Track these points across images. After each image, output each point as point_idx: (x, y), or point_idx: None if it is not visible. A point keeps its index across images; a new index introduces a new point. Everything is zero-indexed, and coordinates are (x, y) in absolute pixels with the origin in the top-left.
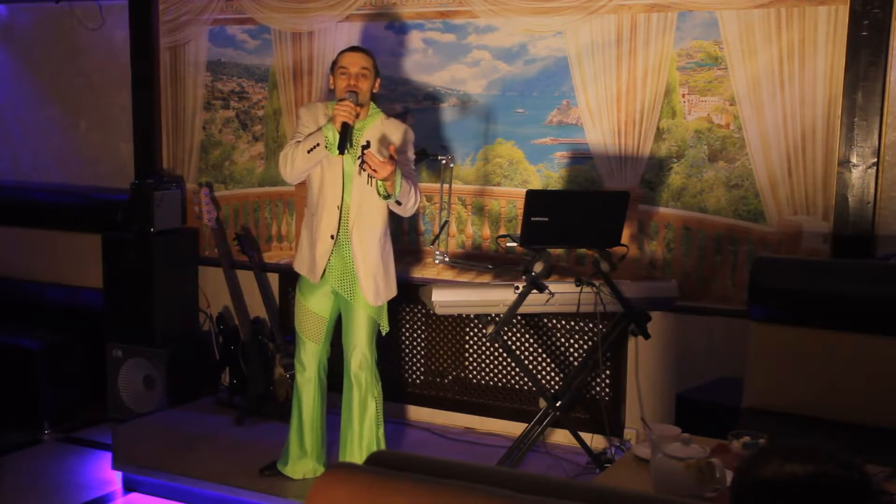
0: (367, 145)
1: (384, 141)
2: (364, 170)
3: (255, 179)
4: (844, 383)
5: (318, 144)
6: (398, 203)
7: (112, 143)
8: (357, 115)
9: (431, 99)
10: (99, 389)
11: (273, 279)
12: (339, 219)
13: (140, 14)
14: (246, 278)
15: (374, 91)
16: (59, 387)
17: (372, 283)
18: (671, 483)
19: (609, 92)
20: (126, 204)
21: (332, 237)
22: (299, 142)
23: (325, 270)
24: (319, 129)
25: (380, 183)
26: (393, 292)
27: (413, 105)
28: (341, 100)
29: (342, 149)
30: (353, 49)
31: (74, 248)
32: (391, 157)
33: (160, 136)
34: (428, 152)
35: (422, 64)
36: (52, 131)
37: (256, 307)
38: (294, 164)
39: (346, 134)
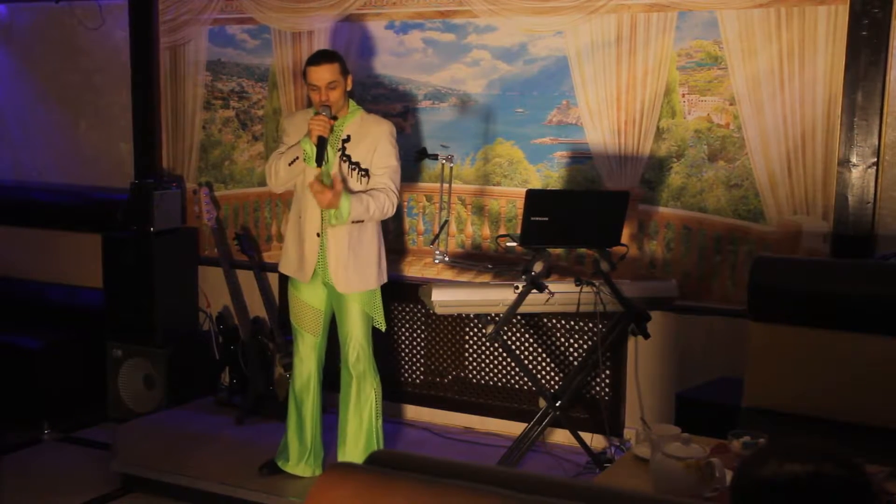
0: (348, 139)
1: (365, 133)
2: (345, 161)
3: (254, 179)
4: (844, 383)
5: (297, 158)
6: (360, 221)
7: (112, 142)
8: (331, 130)
9: (431, 99)
10: (99, 389)
11: (273, 279)
12: (322, 216)
13: (140, 14)
14: (246, 278)
15: (349, 90)
16: (59, 387)
17: (341, 272)
18: (671, 483)
19: (609, 92)
20: (126, 204)
21: (318, 235)
22: (282, 153)
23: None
24: (298, 142)
25: (331, 213)
26: (370, 284)
27: (413, 105)
28: (316, 114)
29: (319, 162)
30: (317, 62)
31: (74, 248)
32: (342, 186)
33: (160, 136)
34: (428, 152)
35: (422, 64)
36: (52, 131)
37: (256, 307)
38: (278, 176)
39: (322, 147)
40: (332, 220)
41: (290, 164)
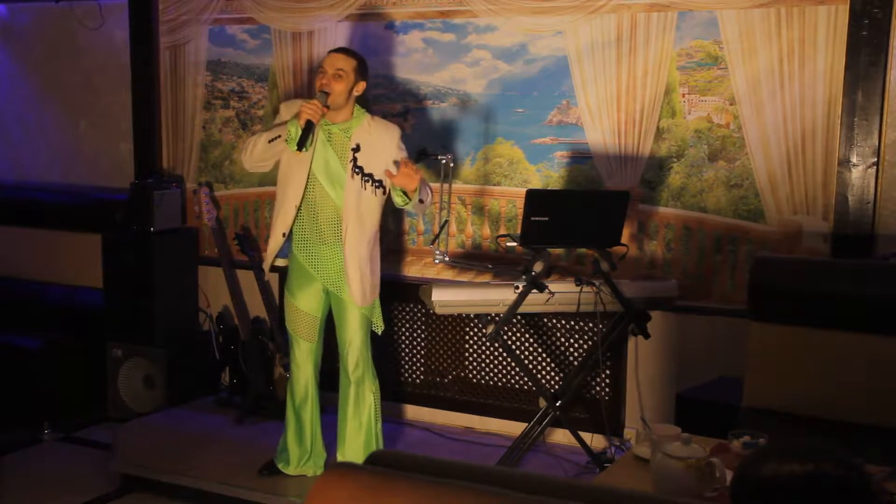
0: (358, 148)
1: (375, 142)
2: (357, 173)
3: (255, 179)
4: (844, 383)
5: (279, 136)
6: (420, 202)
7: (112, 142)
8: (323, 114)
9: (431, 99)
10: (99, 389)
11: (273, 279)
12: (295, 217)
13: (140, 14)
14: (246, 278)
15: (357, 94)
16: (59, 387)
17: (360, 285)
18: (671, 483)
19: (609, 91)
20: (126, 204)
21: (283, 235)
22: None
23: (316, 270)
24: (285, 122)
25: (398, 191)
26: (377, 293)
27: (413, 105)
28: (312, 98)
29: (300, 146)
30: (336, 50)
31: (74, 248)
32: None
33: (160, 136)
34: (428, 152)
35: (422, 64)
36: (52, 131)
37: (256, 307)
38: (253, 152)
39: (307, 132)
40: (400, 200)
41: (269, 142)
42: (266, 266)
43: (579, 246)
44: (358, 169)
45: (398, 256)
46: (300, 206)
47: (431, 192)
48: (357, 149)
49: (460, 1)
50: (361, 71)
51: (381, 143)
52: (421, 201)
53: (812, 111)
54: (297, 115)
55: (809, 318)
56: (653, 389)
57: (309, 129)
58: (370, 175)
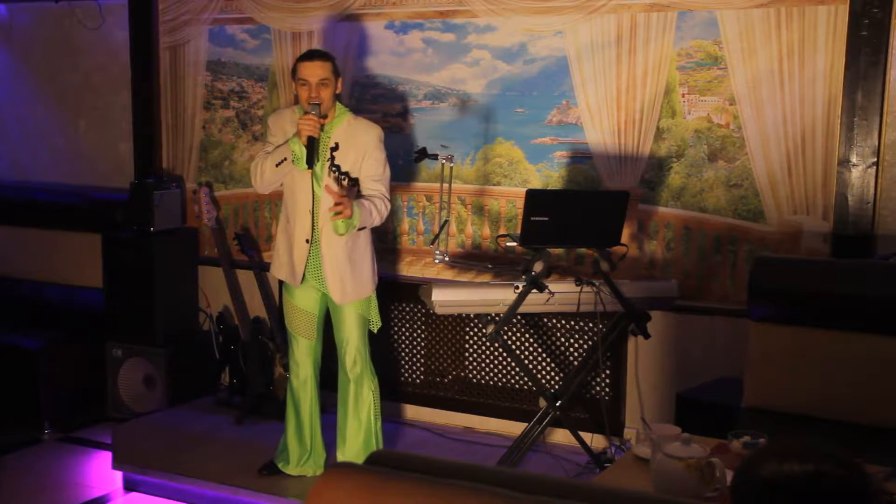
0: (336, 147)
1: (353, 139)
2: (334, 172)
3: None
4: (844, 383)
5: (285, 159)
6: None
7: (112, 142)
8: (321, 127)
9: (431, 99)
10: (99, 389)
11: (273, 279)
12: (312, 222)
13: (140, 14)
14: (246, 278)
15: (338, 91)
16: (59, 387)
17: (338, 283)
18: (671, 483)
19: (609, 91)
20: (126, 204)
21: (307, 241)
22: (269, 153)
23: (304, 272)
24: (286, 142)
25: (340, 223)
26: (366, 292)
27: (413, 105)
28: (305, 113)
29: (310, 163)
30: (309, 57)
31: (74, 248)
32: (346, 193)
33: (160, 136)
34: (428, 152)
35: (422, 64)
36: (52, 131)
37: (256, 307)
38: (264, 177)
39: (312, 148)
40: (339, 229)
41: (277, 165)
42: (298, 278)
43: (579, 246)
44: (335, 167)
45: (398, 256)
46: (312, 210)
47: (380, 208)
48: (336, 147)
49: (460, 1)
50: (338, 71)
51: (359, 140)
52: (362, 227)
53: (812, 111)
54: (297, 135)
55: (809, 318)
56: (653, 389)
57: (312, 145)
58: (346, 174)
